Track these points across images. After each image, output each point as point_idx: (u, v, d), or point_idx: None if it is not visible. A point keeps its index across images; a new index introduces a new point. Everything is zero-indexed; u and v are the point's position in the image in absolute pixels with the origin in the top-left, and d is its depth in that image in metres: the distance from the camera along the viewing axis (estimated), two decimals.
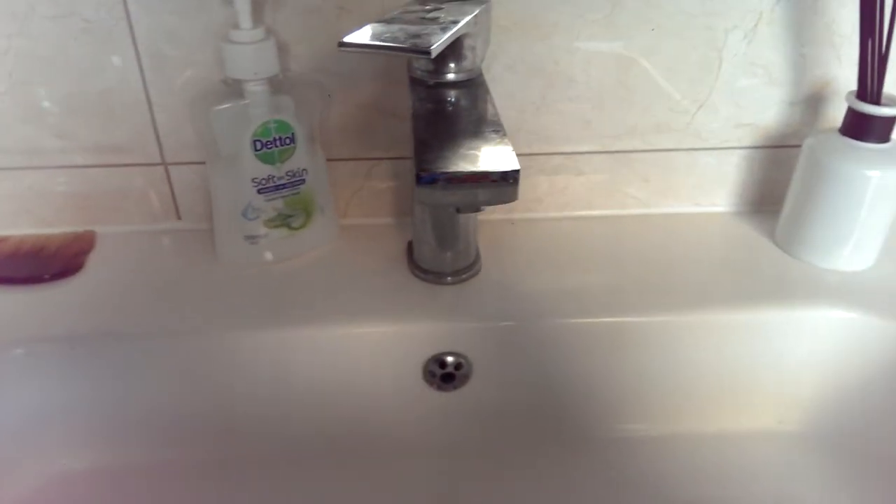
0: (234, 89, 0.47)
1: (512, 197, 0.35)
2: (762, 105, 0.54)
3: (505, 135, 0.38)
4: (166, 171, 0.54)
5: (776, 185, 0.58)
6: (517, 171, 0.35)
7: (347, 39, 0.35)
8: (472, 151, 0.36)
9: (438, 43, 0.35)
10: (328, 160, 0.54)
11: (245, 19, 0.45)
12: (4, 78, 0.49)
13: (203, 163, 0.54)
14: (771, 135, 0.56)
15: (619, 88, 0.53)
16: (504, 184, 0.35)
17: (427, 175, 0.35)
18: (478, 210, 0.38)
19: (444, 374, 0.49)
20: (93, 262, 0.53)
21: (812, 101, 0.54)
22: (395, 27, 0.38)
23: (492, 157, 0.36)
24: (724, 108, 0.54)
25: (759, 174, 0.58)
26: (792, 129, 0.56)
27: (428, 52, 0.34)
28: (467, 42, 0.42)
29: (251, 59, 0.45)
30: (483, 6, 0.43)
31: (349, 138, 0.54)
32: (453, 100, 0.43)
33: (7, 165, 0.53)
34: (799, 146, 0.53)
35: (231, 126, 0.47)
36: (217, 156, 0.49)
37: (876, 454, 0.49)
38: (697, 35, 0.51)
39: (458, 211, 0.45)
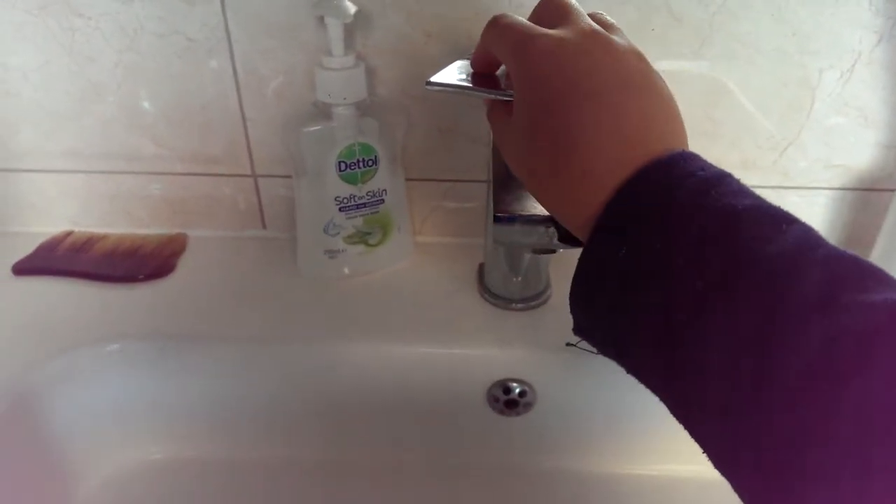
0: (323, 111, 0.49)
1: None
2: (855, 146, 0.52)
3: None
4: (255, 182, 0.57)
5: (865, 229, 0.56)
6: None
7: (434, 79, 0.36)
8: None
9: None
10: (406, 179, 0.55)
11: (338, 47, 0.46)
12: (113, 89, 0.53)
13: (289, 176, 0.56)
14: (863, 177, 0.54)
15: (706, 121, 0.52)
16: None
17: (505, 216, 0.36)
18: (552, 252, 0.38)
19: (508, 400, 0.49)
20: (183, 264, 0.56)
21: None
22: None
23: None
24: (814, 147, 0.53)
25: (848, 216, 0.56)
26: (886, 172, 0.53)
27: (512, 97, 0.35)
28: None
29: (341, 84, 0.47)
30: None
31: (428, 159, 0.55)
32: None
33: (110, 169, 0.57)
34: (892, 190, 0.51)
35: (318, 146, 0.49)
36: (303, 173, 0.51)
37: None
38: (790, 73, 0.50)
39: (534, 252, 0.45)
